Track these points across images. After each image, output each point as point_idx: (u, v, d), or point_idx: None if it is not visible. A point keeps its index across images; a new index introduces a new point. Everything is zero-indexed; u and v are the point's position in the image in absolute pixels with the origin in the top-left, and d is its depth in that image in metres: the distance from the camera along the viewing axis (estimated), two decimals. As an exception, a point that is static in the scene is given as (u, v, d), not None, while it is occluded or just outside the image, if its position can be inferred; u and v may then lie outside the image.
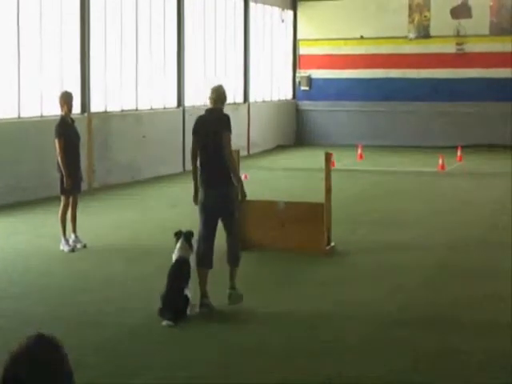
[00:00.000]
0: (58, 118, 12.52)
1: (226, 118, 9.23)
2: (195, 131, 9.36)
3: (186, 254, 8.95)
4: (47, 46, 17.82)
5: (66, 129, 12.24)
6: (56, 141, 12.12)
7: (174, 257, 8.96)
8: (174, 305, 8.47)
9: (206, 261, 9.08)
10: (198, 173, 9.25)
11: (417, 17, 29.94)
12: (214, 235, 9.16)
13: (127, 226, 14.37)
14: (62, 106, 12.37)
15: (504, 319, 8.62)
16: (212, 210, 9.10)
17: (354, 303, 9.32)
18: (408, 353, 7.60)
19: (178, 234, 9.13)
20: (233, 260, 9.31)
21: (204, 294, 8.98)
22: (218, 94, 9.34)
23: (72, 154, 12.19)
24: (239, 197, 9.24)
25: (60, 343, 2.67)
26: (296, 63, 31.53)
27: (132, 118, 20.82)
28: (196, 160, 9.29)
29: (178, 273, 8.75)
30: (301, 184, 19.30)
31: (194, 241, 9.08)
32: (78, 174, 12.43)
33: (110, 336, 8.12)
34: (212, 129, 9.16)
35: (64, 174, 12.02)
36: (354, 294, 9.76)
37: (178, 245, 9.02)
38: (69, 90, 13.51)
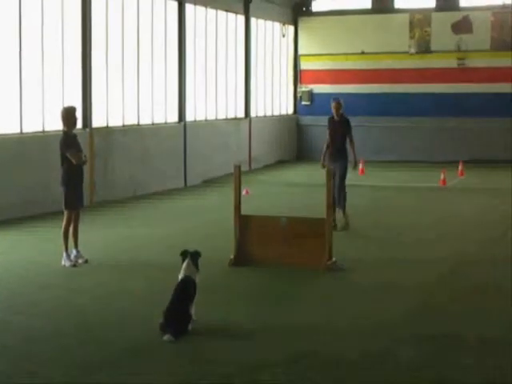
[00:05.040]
0: (61, 133, 12.49)
1: (348, 121, 15.52)
2: (329, 127, 15.55)
3: (192, 274, 8.91)
4: (49, 61, 17.86)
5: (70, 143, 12.23)
6: (68, 154, 12.10)
7: (180, 276, 8.92)
8: (175, 320, 8.45)
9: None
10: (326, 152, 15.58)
11: (418, 32, 30.01)
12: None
13: (128, 240, 14.36)
14: (65, 121, 12.33)
15: (508, 336, 8.61)
16: (334, 174, 14.37)
17: (355, 319, 9.30)
18: (409, 368, 7.58)
19: (184, 254, 9.09)
20: (343, 203, 15.32)
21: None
22: (340, 106, 15.48)
23: (75, 169, 12.20)
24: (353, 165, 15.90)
25: None
26: (297, 78, 31.60)
27: (133, 133, 20.85)
28: (327, 146, 15.52)
29: (183, 291, 8.69)
30: (302, 199, 19.30)
31: (200, 260, 9.08)
32: (81, 189, 12.43)
33: (112, 351, 8.09)
34: (339, 128, 15.40)
35: (74, 159, 12.07)
36: (354, 309, 9.74)
37: (184, 265, 8.96)
38: (72, 104, 13.41)
